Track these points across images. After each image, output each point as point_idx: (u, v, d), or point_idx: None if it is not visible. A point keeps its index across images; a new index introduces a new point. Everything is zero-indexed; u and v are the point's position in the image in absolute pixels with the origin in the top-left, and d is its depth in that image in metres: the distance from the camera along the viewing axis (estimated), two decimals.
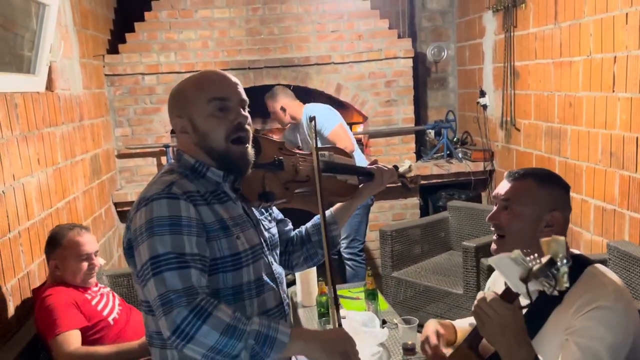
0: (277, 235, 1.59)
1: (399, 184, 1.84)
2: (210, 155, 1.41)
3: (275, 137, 2.25)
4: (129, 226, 1.34)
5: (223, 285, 1.35)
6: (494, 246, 1.54)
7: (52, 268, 2.14)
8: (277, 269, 1.52)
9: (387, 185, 1.76)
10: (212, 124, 1.38)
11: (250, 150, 1.43)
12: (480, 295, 1.27)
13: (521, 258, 1.14)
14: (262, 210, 1.56)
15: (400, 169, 1.80)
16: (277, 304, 1.47)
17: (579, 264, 1.38)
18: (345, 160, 1.73)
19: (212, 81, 1.41)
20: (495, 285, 1.70)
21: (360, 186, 1.72)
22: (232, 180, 1.45)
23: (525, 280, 1.12)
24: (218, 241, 1.34)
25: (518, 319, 1.21)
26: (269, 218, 1.58)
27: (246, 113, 1.43)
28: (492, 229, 1.54)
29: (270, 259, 1.50)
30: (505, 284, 1.20)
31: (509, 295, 1.19)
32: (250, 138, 1.44)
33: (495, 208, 1.54)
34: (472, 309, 1.28)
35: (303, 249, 1.68)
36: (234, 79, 1.45)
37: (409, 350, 2.03)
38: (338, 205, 1.71)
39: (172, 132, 4.37)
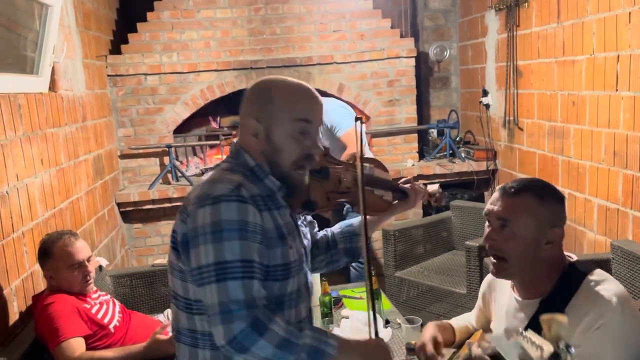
0: (310, 241, 1.57)
1: (426, 202, 1.87)
2: (272, 168, 1.36)
3: None
4: (186, 220, 1.27)
5: (269, 294, 1.30)
6: (493, 270, 1.44)
7: (48, 278, 2.12)
8: (310, 278, 1.49)
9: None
10: (288, 144, 1.34)
11: (307, 177, 1.41)
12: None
13: (521, 348, 1.09)
14: (299, 215, 1.52)
15: (430, 189, 1.81)
16: (307, 314, 1.45)
17: (576, 275, 1.36)
18: (384, 175, 1.73)
19: (304, 99, 1.37)
20: (490, 291, 1.65)
21: (394, 203, 1.72)
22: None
23: None
24: (274, 249, 1.30)
25: None
26: (304, 223, 1.55)
27: (321, 144, 1.39)
28: (489, 251, 1.42)
29: (307, 268, 1.46)
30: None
31: None
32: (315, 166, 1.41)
33: (489, 227, 1.42)
34: None
35: (327, 254, 1.65)
36: (321, 99, 1.40)
37: (412, 350, 2.02)
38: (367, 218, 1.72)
39: (232, 127, 4.28)
